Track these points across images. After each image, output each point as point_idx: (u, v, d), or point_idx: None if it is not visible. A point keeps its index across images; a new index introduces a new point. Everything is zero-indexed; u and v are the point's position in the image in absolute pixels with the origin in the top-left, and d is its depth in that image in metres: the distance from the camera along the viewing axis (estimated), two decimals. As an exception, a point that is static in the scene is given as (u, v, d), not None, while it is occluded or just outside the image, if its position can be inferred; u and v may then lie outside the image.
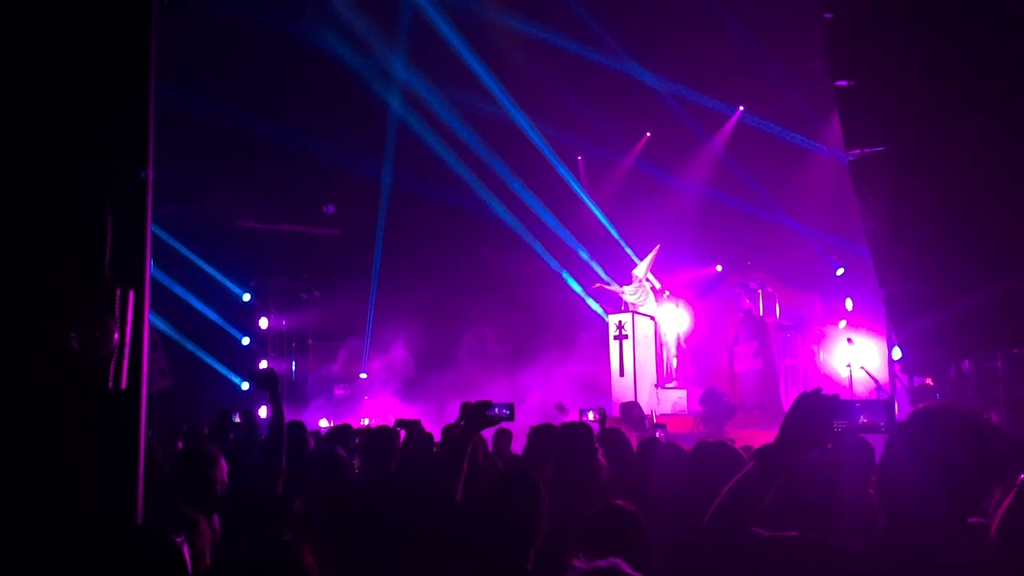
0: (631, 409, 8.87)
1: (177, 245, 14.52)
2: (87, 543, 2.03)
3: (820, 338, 14.10)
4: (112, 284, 2.29)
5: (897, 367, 9.87)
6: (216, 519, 3.52)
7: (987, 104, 7.93)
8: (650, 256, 14.79)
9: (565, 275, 16.55)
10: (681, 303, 15.29)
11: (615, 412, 9.75)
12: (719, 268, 16.11)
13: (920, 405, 2.12)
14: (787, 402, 13.32)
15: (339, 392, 16.53)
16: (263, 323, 16.64)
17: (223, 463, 3.69)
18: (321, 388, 16.72)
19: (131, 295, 2.33)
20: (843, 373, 12.16)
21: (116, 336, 2.26)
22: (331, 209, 16.97)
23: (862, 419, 2.23)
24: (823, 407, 2.05)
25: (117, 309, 2.27)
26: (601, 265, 16.23)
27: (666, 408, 13.44)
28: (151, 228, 2.49)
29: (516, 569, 2.68)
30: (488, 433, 5.72)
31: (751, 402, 13.82)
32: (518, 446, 6.07)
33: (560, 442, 4.05)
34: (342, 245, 17.23)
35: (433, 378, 14.99)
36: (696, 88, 14.51)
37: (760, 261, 15.16)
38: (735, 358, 14.71)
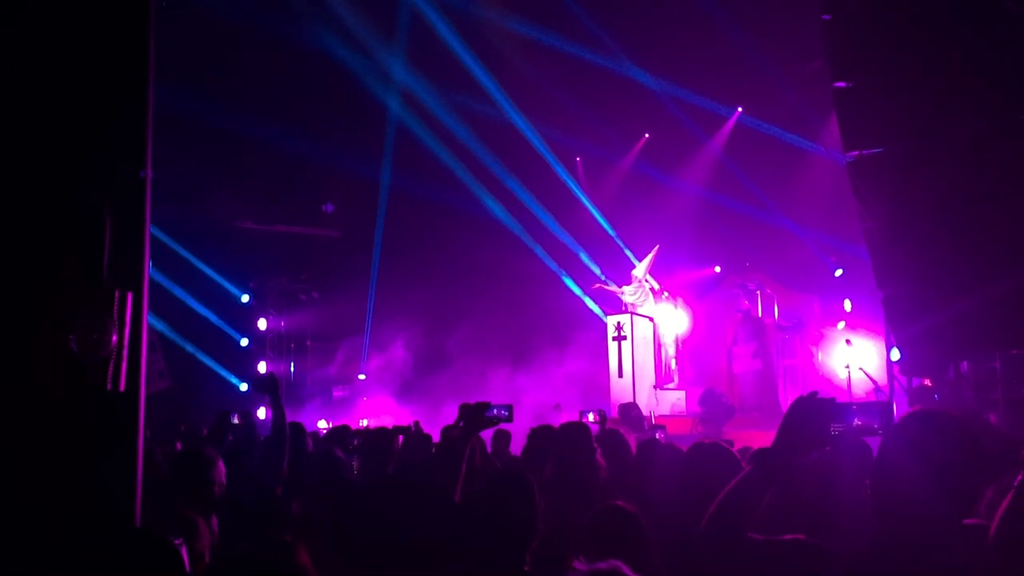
0: (630, 410, 8.87)
1: (176, 246, 14.50)
2: (86, 545, 2.02)
3: (819, 339, 14.11)
4: (111, 285, 2.29)
5: (896, 368, 9.88)
6: (215, 520, 3.51)
7: (985, 105, 7.94)
8: (649, 256, 14.80)
9: (564, 277, 16.56)
10: (680, 304, 15.30)
11: (614, 413, 9.75)
12: (718, 269, 16.12)
13: (912, 408, 2.12)
14: (786, 403, 13.32)
15: (338, 393, 16.52)
16: (262, 324, 16.62)
17: (221, 464, 3.69)
18: (320, 389, 16.70)
19: (130, 296, 2.33)
20: (842, 374, 12.17)
21: (115, 338, 2.26)
22: (330, 208, 16.95)
23: (858, 422, 2.23)
24: (820, 410, 2.05)
25: (116, 310, 2.27)
26: (600, 266, 16.24)
27: (665, 409, 13.45)
28: (150, 229, 2.49)
29: (513, 570, 2.68)
30: (487, 434, 5.72)
31: (750, 403, 13.82)
32: (517, 447, 6.06)
33: (559, 442, 4.05)
34: (341, 246, 17.21)
35: (432, 379, 14.99)
36: (695, 89, 14.52)
37: (759, 262, 15.17)
38: (734, 359, 14.72)
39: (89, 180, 2.35)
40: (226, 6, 11.47)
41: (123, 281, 2.33)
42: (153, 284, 2.81)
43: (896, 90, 8.47)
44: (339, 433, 6.24)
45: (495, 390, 13.52)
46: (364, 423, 12.20)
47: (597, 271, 16.05)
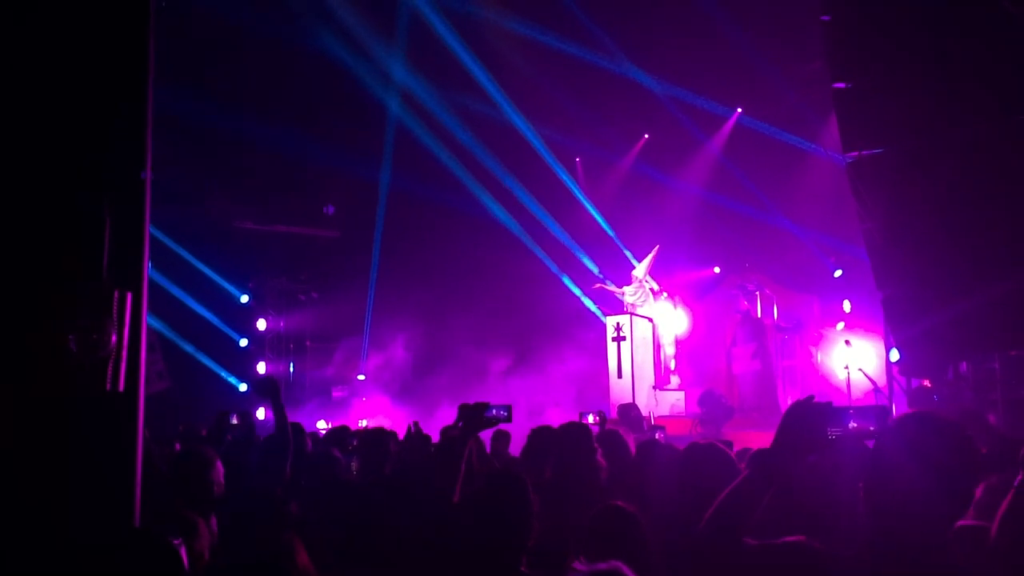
0: (629, 411, 8.87)
1: (175, 247, 14.49)
2: (86, 545, 2.02)
3: (818, 340, 14.12)
4: (110, 285, 2.28)
5: (895, 369, 9.89)
6: (214, 521, 3.51)
7: (984, 106, 7.96)
8: (649, 256, 14.81)
9: (564, 277, 16.56)
10: (679, 304, 15.31)
11: (613, 414, 9.75)
12: (717, 270, 16.13)
13: (908, 410, 2.14)
14: (785, 404, 13.36)
15: (337, 394, 16.51)
16: (261, 325, 16.61)
17: (220, 465, 3.69)
18: (319, 390, 16.70)
19: (129, 296, 2.32)
20: (841, 375, 12.17)
21: (114, 338, 2.26)
22: (331, 210, 16.95)
23: (854, 425, 2.24)
24: (816, 414, 2.06)
25: (115, 310, 2.27)
26: (599, 266, 16.24)
27: (664, 410, 13.45)
28: (149, 229, 2.49)
29: (510, 570, 2.68)
30: (486, 434, 5.72)
31: (749, 404, 13.83)
32: (516, 448, 6.06)
33: (560, 442, 4.05)
34: (340, 247, 17.21)
35: (431, 379, 14.99)
36: (694, 90, 14.52)
37: (758, 263, 15.17)
38: (733, 360, 14.73)
39: (89, 180, 2.35)
40: (226, 6, 11.46)
41: (123, 281, 2.32)
42: (152, 284, 2.81)
43: (895, 91, 8.48)
44: (338, 434, 6.24)
45: (494, 390, 13.53)
46: (363, 423, 12.21)
47: (595, 270, 16.05)
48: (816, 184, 13.47)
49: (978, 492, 2.78)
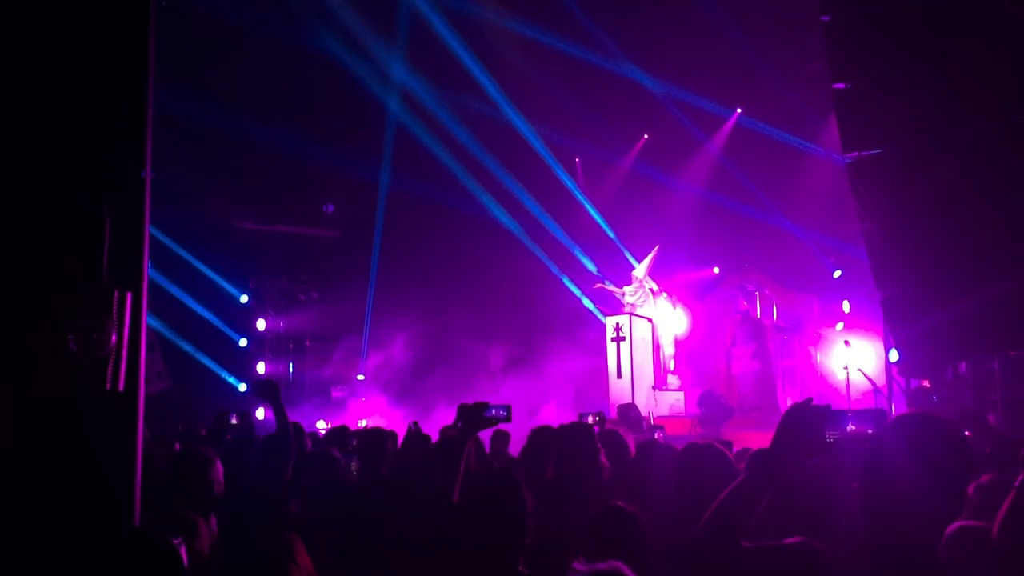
0: (628, 411, 8.87)
1: (175, 247, 14.49)
2: (86, 545, 2.02)
3: (817, 340, 14.12)
4: (110, 285, 2.28)
5: (894, 369, 9.88)
6: (213, 520, 3.51)
7: (984, 106, 7.96)
8: (650, 256, 14.82)
9: (564, 277, 16.56)
10: (679, 305, 15.31)
11: (612, 414, 9.75)
12: (717, 270, 16.13)
13: (905, 411, 2.15)
14: (784, 404, 13.37)
15: (336, 393, 16.51)
16: (260, 325, 16.61)
17: (219, 464, 3.69)
18: (318, 389, 16.70)
19: (129, 296, 2.32)
20: (840, 375, 12.17)
21: (114, 337, 2.26)
22: (331, 208, 16.95)
23: (852, 428, 2.24)
24: (814, 418, 2.06)
25: (115, 310, 2.27)
26: (597, 265, 16.25)
27: (664, 410, 13.45)
28: (149, 229, 2.49)
29: (508, 570, 2.69)
30: (486, 434, 5.72)
31: (749, 404, 13.84)
32: (516, 448, 6.06)
33: (562, 442, 4.05)
34: (340, 247, 17.21)
35: (431, 379, 14.99)
36: (694, 90, 14.53)
37: (758, 263, 15.18)
38: (733, 360, 14.73)
39: (89, 180, 2.35)
40: (226, 6, 11.46)
41: (123, 281, 2.32)
42: (152, 284, 2.81)
43: (895, 91, 8.48)
44: (338, 434, 6.24)
45: (493, 390, 13.53)
46: (363, 423, 12.22)
47: (593, 269, 16.06)
48: (816, 184, 13.47)
49: (969, 492, 2.79)
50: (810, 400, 2.10)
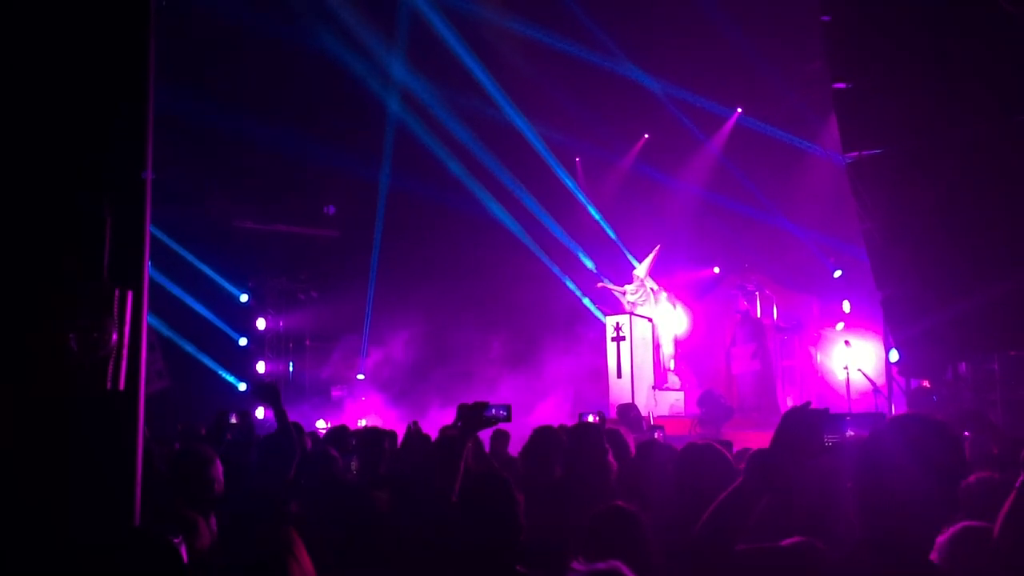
0: (628, 411, 8.86)
1: (175, 246, 14.50)
2: (86, 545, 2.02)
3: (817, 340, 14.12)
4: (111, 285, 2.29)
5: (894, 369, 9.89)
6: (213, 519, 3.52)
7: (984, 106, 7.96)
8: (651, 256, 14.82)
9: (564, 277, 16.56)
10: (679, 304, 15.31)
11: (612, 414, 9.75)
12: (717, 270, 16.13)
13: (903, 411, 2.16)
14: (784, 404, 13.38)
15: (336, 393, 16.51)
16: (260, 324, 16.61)
17: (219, 463, 3.69)
18: (318, 389, 16.71)
19: (130, 295, 2.33)
20: (840, 375, 12.17)
21: (114, 337, 2.26)
22: (332, 210, 16.96)
23: (850, 432, 2.25)
24: (812, 422, 2.06)
25: (115, 309, 2.27)
26: (596, 264, 16.25)
27: (663, 410, 13.45)
28: (149, 229, 2.49)
29: (505, 569, 2.69)
30: (485, 434, 5.72)
31: (749, 404, 13.83)
32: (515, 447, 6.06)
33: (572, 442, 4.05)
34: (340, 246, 17.22)
35: (430, 378, 14.99)
36: (694, 90, 14.53)
37: (758, 263, 15.18)
38: (732, 360, 14.73)
39: (89, 180, 2.35)
40: (226, 6, 11.46)
41: (123, 280, 2.33)
42: (152, 283, 2.81)
43: (895, 91, 8.49)
44: (338, 433, 6.24)
45: (493, 390, 13.53)
46: (363, 423, 12.22)
47: (592, 267, 16.06)
48: (816, 184, 13.48)
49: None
50: (808, 404, 2.11)
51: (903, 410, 9.27)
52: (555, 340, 15.28)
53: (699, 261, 16.11)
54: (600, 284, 15.35)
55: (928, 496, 1.91)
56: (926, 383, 9.85)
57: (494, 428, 4.66)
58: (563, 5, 12.95)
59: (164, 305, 13.87)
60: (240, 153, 14.09)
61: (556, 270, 16.49)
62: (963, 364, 9.53)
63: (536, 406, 12.88)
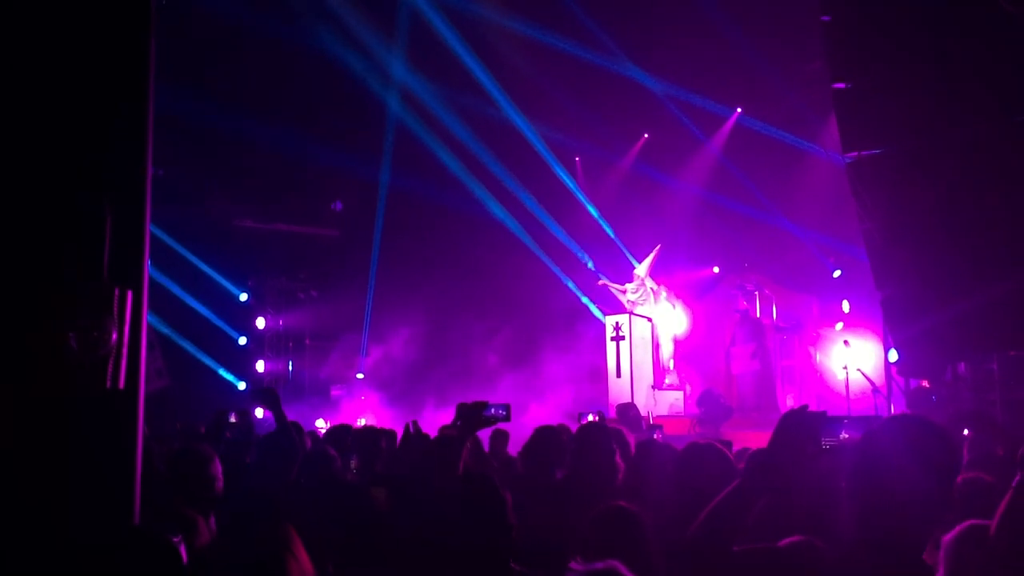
0: (627, 410, 8.86)
1: (175, 245, 14.50)
2: (86, 545, 2.03)
3: (817, 340, 14.13)
4: (110, 283, 2.29)
5: (894, 369, 9.89)
6: (213, 519, 3.52)
7: (984, 106, 7.96)
8: (651, 256, 14.82)
9: (563, 277, 16.56)
10: (679, 304, 15.31)
11: (612, 414, 9.75)
12: (716, 270, 16.13)
13: (904, 411, 2.16)
14: (784, 404, 13.38)
15: (336, 392, 16.52)
16: (260, 323, 16.61)
17: (218, 462, 3.69)
18: (317, 388, 16.71)
19: (129, 295, 2.33)
20: (840, 375, 12.18)
21: (114, 336, 2.26)
22: (339, 206, 16.97)
23: (846, 435, 2.25)
24: (810, 425, 2.06)
25: (115, 309, 2.27)
26: (595, 262, 16.25)
27: (663, 410, 13.46)
28: (150, 228, 2.49)
29: (500, 568, 2.70)
30: (484, 434, 5.72)
31: (748, 404, 13.84)
32: (515, 447, 6.06)
33: (578, 443, 4.05)
34: (340, 246, 17.22)
35: (430, 378, 15.00)
36: (694, 90, 14.53)
37: (757, 263, 15.18)
38: (732, 360, 14.73)
39: (89, 180, 2.35)
40: (226, 6, 11.46)
41: (123, 280, 2.33)
42: (152, 283, 2.82)
43: (895, 91, 8.49)
44: (338, 433, 6.24)
45: (493, 389, 13.53)
46: (363, 422, 12.21)
47: (590, 264, 16.07)
48: (816, 184, 13.48)
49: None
50: (806, 407, 2.11)
51: (903, 410, 9.28)
52: (554, 339, 15.28)
53: (699, 261, 16.12)
54: (601, 282, 15.36)
55: (925, 496, 1.92)
56: (925, 383, 9.85)
57: (493, 427, 4.67)
58: (563, 5, 12.94)
59: (164, 304, 13.87)
60: (240, 153, 14.09)
61: (556, 269, 16.49)
62: (962, 364, 9.53)
63: (535, 405, 12.88)
